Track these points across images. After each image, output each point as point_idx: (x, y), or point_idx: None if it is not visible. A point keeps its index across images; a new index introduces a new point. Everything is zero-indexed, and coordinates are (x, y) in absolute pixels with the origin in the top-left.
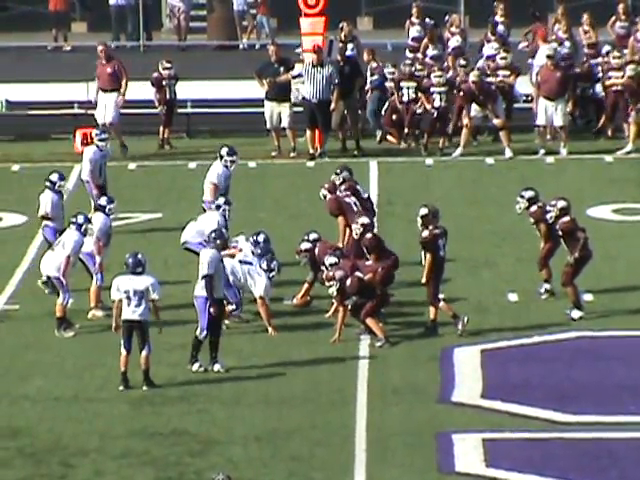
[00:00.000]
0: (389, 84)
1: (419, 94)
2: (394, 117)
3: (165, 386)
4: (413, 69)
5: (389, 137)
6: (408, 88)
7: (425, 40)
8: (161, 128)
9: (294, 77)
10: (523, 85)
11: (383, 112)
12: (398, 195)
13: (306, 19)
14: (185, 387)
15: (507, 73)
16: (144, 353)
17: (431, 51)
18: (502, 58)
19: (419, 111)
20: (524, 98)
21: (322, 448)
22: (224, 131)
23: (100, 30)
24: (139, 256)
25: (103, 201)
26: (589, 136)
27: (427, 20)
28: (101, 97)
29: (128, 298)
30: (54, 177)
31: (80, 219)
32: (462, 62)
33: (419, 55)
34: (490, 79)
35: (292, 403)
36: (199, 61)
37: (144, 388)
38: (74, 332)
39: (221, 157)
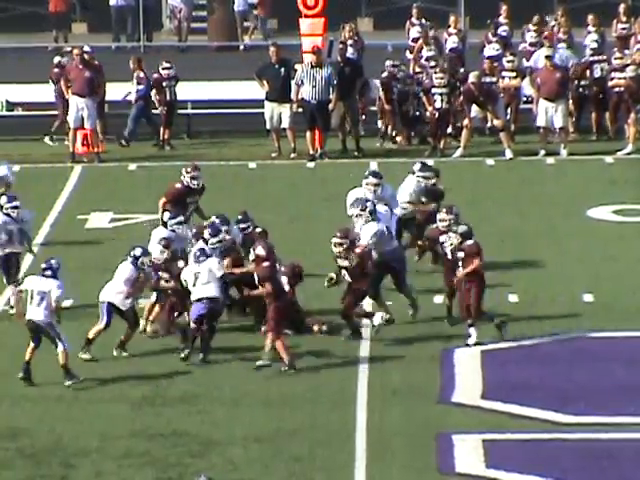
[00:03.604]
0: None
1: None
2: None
3: (165, 387)
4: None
5: (398, 139)
6: (397, 87)
7: (420, 41)
8: (161, 129)
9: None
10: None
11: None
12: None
13: (305, 20)
14: (185, 388)
15: (513, 75)
16: (59, 349)
17: (426, 52)
18: (509, 61)
19: (419, 111)
20: (524, 99)
21: (322, 449)
22: (224, 132)
23: (100, 31)
24: (52, 261)
25: (138, 252)
26: (589, 137)
27: (423, 21)
28: (75, 102)
29: (31, 297)
30: None
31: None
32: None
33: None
34: (491, 79)
35: (293, 404)
36: (199, 62)
37: (66, 383)
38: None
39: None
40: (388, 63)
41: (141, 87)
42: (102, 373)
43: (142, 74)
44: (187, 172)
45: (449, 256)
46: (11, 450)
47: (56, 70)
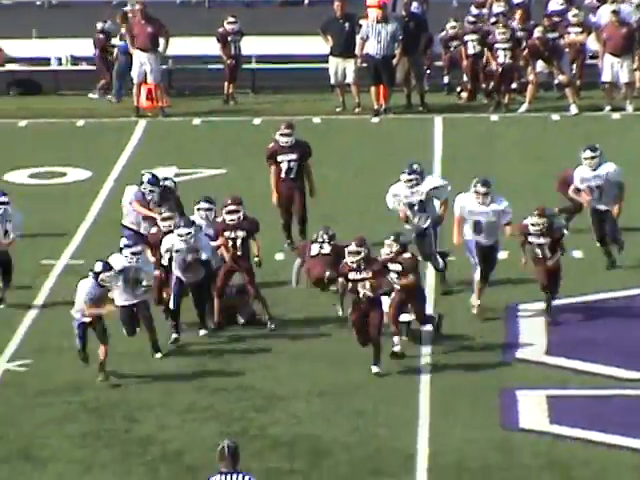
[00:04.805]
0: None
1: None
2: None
3: (230, 342)
4: (477, 24)
5: (462, 94)
6: (473, 41)
7: None
8: (226, 84)
9: None
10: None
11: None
12: (463, 151)
13: None
14: (250, 343)
15: (579, 30)
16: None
17: (497, 8)
18: (574, 16)
19: (488, 68)
20: (590, 54)
21: (386, 405)
22: (289, 87)
23: None
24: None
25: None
26: None
27: None
28: (138, 56)
29: None
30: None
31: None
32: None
33: (484, 11)
34: (554, 34)
35: (356, 359)
36: (264, 17)
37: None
38: None
39: None
40: (468, 19)
41: (122, 43)
42: (167, 328)
43: (124, 30)
44: (279, 129)
45: (540, 256)
46: (75, 404)
47: (100, 37)
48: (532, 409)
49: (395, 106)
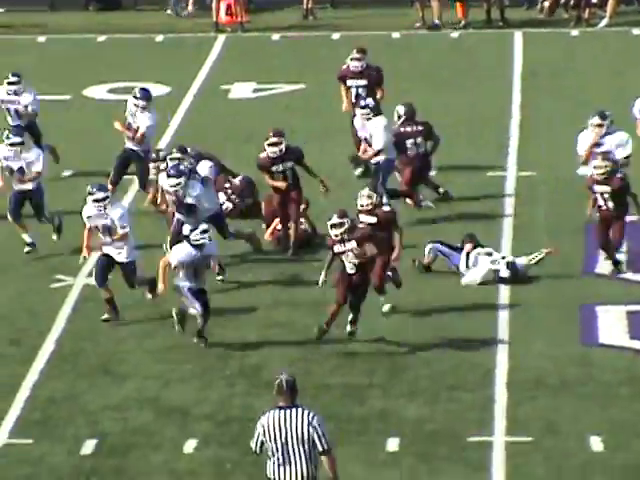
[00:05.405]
0: None
1: None
2: None
3: (304, 261)
4: None
5: (545, 3)
6: None
7: None
8: None
9: None
10: None
11: None
12: (543, 66)
13: None
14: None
15: None
16: None
17: None
18: None
19: None
20: None
21: (465, 319)
22: (368, 2)
23: None
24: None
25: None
26: None
27: None
28: None
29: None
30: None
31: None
32: None
33: None
34: None
35: (436, 275)
36: None
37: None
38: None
39: None
40: None
41: None
42: (245, 247)
43: None
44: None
45: (604, 207)
46: (154, 319)
47: None
48: (612, 325)
49: (475, 21)
